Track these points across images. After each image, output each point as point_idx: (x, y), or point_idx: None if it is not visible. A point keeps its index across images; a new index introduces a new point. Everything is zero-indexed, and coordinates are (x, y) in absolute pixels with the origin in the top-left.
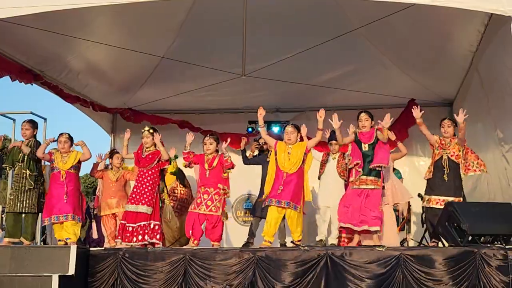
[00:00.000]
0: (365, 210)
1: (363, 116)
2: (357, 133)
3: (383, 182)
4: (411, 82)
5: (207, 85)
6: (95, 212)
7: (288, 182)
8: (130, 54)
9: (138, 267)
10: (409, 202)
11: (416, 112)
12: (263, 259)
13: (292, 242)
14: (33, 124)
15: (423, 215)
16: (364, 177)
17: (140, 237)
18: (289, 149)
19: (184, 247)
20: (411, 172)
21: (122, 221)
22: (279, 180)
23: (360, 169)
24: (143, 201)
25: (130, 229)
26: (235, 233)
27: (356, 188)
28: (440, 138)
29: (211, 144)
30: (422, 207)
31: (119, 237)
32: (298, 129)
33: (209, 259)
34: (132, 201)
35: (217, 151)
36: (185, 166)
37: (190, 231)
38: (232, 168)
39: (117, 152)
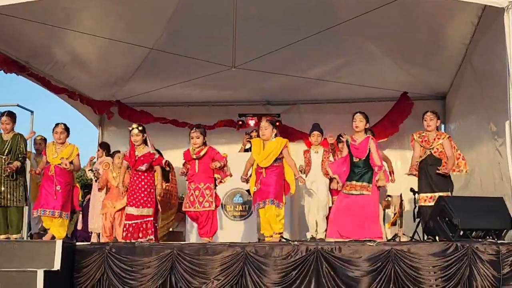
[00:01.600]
0: (364, 221)
1: (358, 116)
2: (349, 143)
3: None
4: (404, 75)
5: (196, 78)
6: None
7: (266, 179)
8: (118, 46)
9: (125, 262)
10: (401, 197)
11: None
12: (253, 255)
13: (281, 237)
14: (13, 117)
15: (415, 210)
16: (354, 182)
17: (141, 235)
18: (264, 146)
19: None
20: (403, 165)
21: (126, 221)
22: (260, 181)
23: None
24: (144, 204)
25: (131, 229)
26: (225, 229)
27: (346, 193)
28: (423, 134)
29: (197, 137)
30: (415, 202)
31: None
32: (273, 125)
33: (198, 254)
34: (131, 203)
35: (204, 143)
36: (181, 174)
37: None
38: (221, 163)
39: (118, 152)
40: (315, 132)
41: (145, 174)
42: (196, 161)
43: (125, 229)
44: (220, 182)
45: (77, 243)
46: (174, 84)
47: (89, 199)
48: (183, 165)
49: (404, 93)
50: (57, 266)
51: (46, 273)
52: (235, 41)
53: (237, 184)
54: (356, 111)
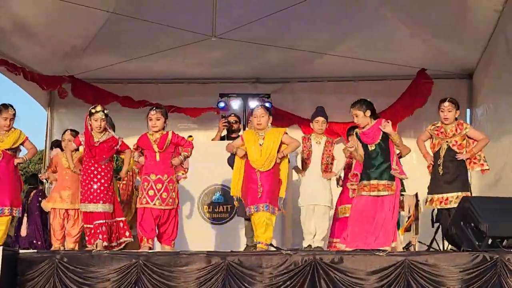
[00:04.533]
0: (379, 224)
1: (353, 111)
2: (358, 134)
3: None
4: (423, 47)
5: (167, 49)
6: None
7: (264, 181)
8: (70, 9)
9: (79, 275)
10: (416, 197)
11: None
12: (236, 266)
13: (271, 244)
14: None
15: (433, 213)
16: (375, 181)
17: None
18: (260, 139)
19: (140, 250)
20: (420, 159)
21: (87, 224)
22: (254, 180)
23: (354, 181)
24: (103, 199)
25: (103, 228)
26: (202, 234)
27: (366, 194)
28: (438, 125)
29: (158, 119)
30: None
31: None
32: (269, 112)
33: (169, 265)
34: (88, 200)
35: (164, 127)
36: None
37: (141, 231)
38: (190, 152)
39: (73, 131)
40: (320, 118)
41: (106, 163)
42: (157, 149)
43: (89, 233)
44: (184, 178)
45: (21, 251)
46: (140, 56)
47: (36, 195)
48: (135, 149)
49: (422, 70)
50: None
51: None
52: (215, 4)
53: (217, 179)
54: (352, 103)
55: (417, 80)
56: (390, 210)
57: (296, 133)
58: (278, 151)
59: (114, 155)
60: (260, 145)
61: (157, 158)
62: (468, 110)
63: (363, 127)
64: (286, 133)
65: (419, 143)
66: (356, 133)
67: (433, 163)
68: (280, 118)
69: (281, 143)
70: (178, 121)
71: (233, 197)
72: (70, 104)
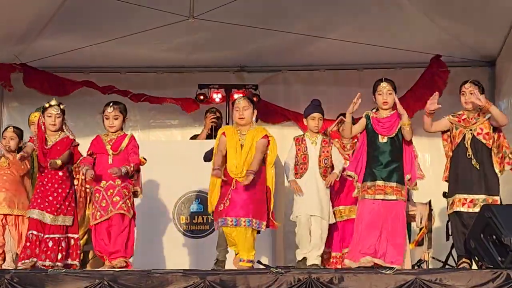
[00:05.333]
0: (387, 236)
1: (385, 87)
2: (371, 118)
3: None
4: (437, 31)
5: (137, 32)
6: None
7: (245, 190)
8: None
9: None
10: (430, 206)
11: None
12: (217, 286)
13: (259, 262)
14: None
15: (449, 224)
16: (381, 182)
17: (59, 256)
18: (242, 138)
19: (102, 268)
20: (435, 160)
21: (34, 231)
22: (224, 189)
23: (357, 183)
24: (64, 210)
25: (51, 243)
26: (177, 249)
27: (370, 198)
28: (459, 113)
29: (116, 118)
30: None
31: (28, 255)
32: (254, 104)
33: (139, 286)
34: (39, 206)
35: (122, 128)
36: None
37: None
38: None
39: (17, 128)
40: (316, 114)
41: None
42: (111, 151)
43: (28, 244)
44: (136, 196)
45: None
46: (106, 41)
47: None
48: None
49: (436, 56)
50: None
51: None
52: None
53: (196, 185)
54: (380, 79)
55: (431, 69)
56: (400, 219)
57: (288, 131)
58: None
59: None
60: (242, 146)
61: (110, 161)
62: None
63: (384, 110)
64: (267, 137)
65: (428, 124)
66: (368, 116)
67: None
68: (270, 114)
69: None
70: (150, 117)
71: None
72: (24, 97)
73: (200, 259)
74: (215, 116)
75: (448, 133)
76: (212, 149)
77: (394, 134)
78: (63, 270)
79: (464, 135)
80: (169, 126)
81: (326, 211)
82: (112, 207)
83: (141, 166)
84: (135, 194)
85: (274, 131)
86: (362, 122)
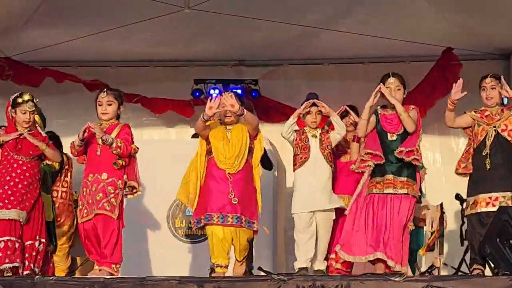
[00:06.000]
0: (390, 229)
1: (394, 82)
2: (379, 115)
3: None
4: (448, 22)
5: (129, 23)
6: None
7: (234, 185)
8: None
9: None
10: (441, 208)
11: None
12: None
13: (259, 268)
14: None
15: (463, 228)
16: (391, 176)
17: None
18: (228, 133)
19: (91, 274)
20: (447, 160)
21: (5, 238)
22: (221, 184)
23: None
24: (24, 205)
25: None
26: (173, 254)
27: (378, 193)
28: (481, 108)
29: (109, 104)
30: (463, 215)
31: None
32: (241, 100)
33: None
34: (9, 204)
35: (118, 116)
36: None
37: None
38: (130, 154)
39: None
40: (313, 108)
41: (34, 162)
42: (100, 140)
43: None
44: (134, 192)
45: None
46: (95, 33)
47: None
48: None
49: (448, 49)
50: None
51: None
52: None
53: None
54: (387, 74)
55: (442, 62)
56: (406, 216)
57: None
58: (249, 151)
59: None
60: (228, 140)
61: (98, 151)
62: (505, 99)
63: (387, 107)
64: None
65: (451, 119)
66: (376, 112)
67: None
68: (270, 111)
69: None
70: (143, 114)
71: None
72: (7, 91)
73: (197, 265)
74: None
75: (471, 128)
76: None
77: (402, 130)
78: (51, 277)
79: (487, 133)
80: (162, 124)
81: (333, 200)
82: (95, 206)
83: (136, 156)
84: (131, 190)
85: (273, 130)
86: (372, 119)
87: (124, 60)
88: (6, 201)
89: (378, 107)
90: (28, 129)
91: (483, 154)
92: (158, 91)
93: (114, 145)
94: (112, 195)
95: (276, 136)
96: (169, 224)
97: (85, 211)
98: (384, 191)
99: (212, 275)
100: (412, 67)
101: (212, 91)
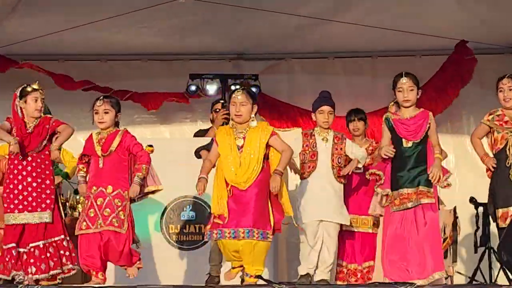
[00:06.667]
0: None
1: (406, 82)
2: (391, 120)
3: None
4: (462, 13)
5: (121, 14)
6: None
7: (242, 196)
8: None
9: None
10: (454, 212)
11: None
12: None
13: (259, 277)
14: None
15: (478, 233)
16: (405, 190)
17: (51, 264)
18: (239, 139)
19: (88, 284)
20: (461, 161)
21: (10, 245)
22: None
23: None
24: (44, 204)
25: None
26: (166, 261)
27: (398, 210)
28: (498, 113)
29: (106, 112)
30: (477, 220)
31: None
32: (253, 98)
33: None
34: (21, 207)
35: (117, 124)
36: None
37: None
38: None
39: None
40: (325, 107)
41: (44, 154)
42: (100, 151)
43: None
44: (144, 196)
45: None
46: (82, 24)
47: None
48: (79, 161)
49: (462, 42)
50: None
51: None
52: None
53: (188, 189)
54: (400, 73)
55: (455, 56)
56: (434, 225)
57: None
58: (264, 159)
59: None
60: (239, 148)
61: (100, 164)
62: None
63: (405, 108)
64: (276, 133)
65: (475, 142)
66: (388, 119)
67: (495, 166)
68: (272, 109)
69: (268, 147)
70: (134, 111)
71: (213, 215)
72: None
73: (192, 273)
74: (226, 112)
75: (489, 134)
76: (206, 145)
77: (421, 139)
78: (36, 286)
79: (507, 141)
80: (155, 122)
81: (342, 215)
82: (102, 221)
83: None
84: (150, 192)
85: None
86: (386, 129)
87: (115, 53)
88: (31, 199)
89: (389, 112)
90: (38, 117)
91: (507, 165)
92: (151, 86)
93: (142, 176)
94: (119, 209)
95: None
96: (163, 230)
97: (84, 224)
98: (401, 207)
99: (226, 274)
100: (423, 61)
101: (208, 87)
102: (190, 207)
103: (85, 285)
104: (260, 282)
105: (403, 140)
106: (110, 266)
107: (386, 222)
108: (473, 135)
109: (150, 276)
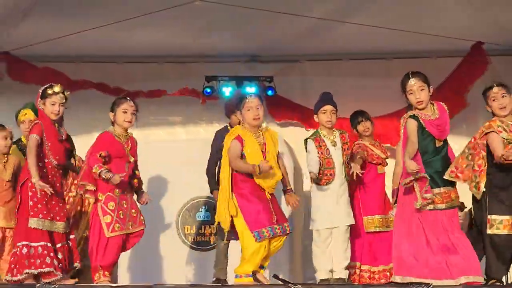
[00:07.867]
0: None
1: (416, 83)
2: (421, 121)
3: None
4: (477, 15)
5: (136, 16)
6: None
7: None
8: None
9: None
10: (470, 216)
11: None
12: None
13: (276, 276)
14: None
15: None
16: (437, 189)
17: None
18: (261, 142)
19: (100, 283)
20: None
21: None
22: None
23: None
24: (62, 214)
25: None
26: (182, 261)
27: (431, 209)
28: (505, 127)
29: (133, 113)
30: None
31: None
32: (262, 100)
33: None
34: (52, 215)
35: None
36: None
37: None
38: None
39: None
40: (327, 107)
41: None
42: (131, 156)
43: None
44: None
45: None
46: (98, 26)
47: None
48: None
49: (478, 43)
50: None
51: None
52: None
53: (202, 191)
54: (406, 74)
55: (470, 57)
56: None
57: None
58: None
59: None
60: (263, 152)
61: (126, 168)
62: None
63: (421, 109)
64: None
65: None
66: (417, 118)
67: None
68: (284, 110)
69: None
70: (150, 113)
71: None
72: (5, 89)
73: (207, 272)
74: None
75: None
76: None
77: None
78: (54, 285)
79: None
80: (171, 124)
81: (349, 216)
82: (132, 222)
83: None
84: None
85: (289, 131)
86: (414, 129)
87: (131, 55)
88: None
89: (418, 114)
90: (56, 121)
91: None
92: (167, 88)
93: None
94: (137, 207)
95: (292, 137)
96: (178, 230)
97: (117, 225)
98: (438, 207)
99: (262, 276)
100: (438, 62)
101: (224, 89)
102: (205, 208)
103: (102, 284)
104: (276, 281)
105: (436, 140)
106: (125, 265)
107: (423, 219)
108: (499, 149)
109: (166, 276)
